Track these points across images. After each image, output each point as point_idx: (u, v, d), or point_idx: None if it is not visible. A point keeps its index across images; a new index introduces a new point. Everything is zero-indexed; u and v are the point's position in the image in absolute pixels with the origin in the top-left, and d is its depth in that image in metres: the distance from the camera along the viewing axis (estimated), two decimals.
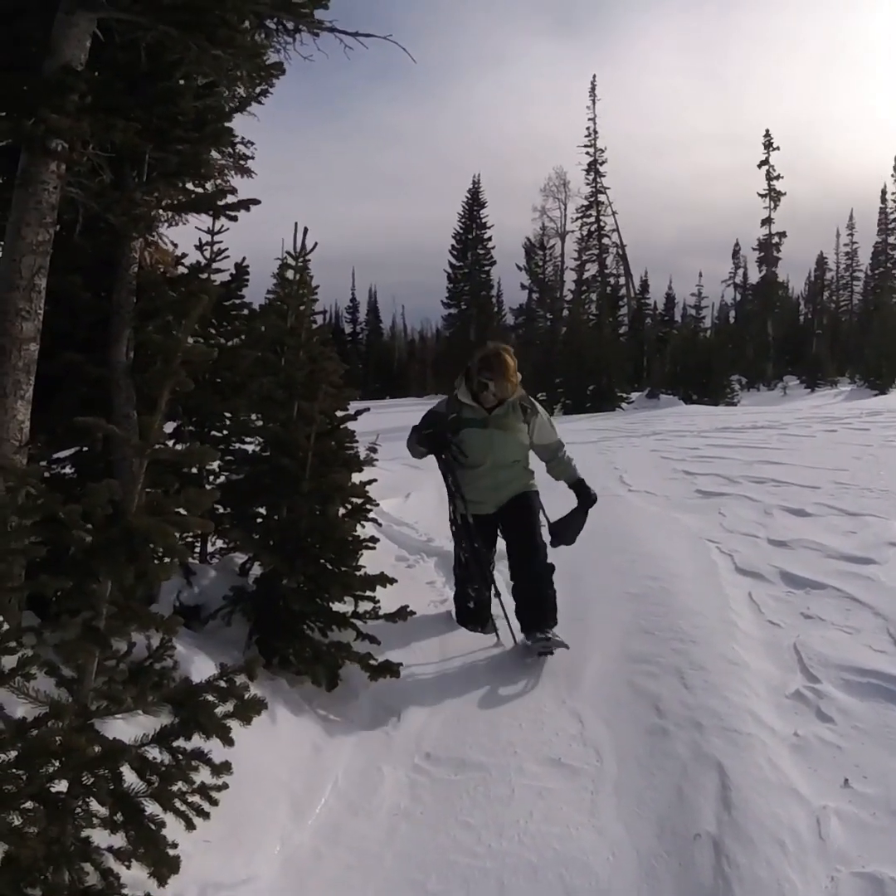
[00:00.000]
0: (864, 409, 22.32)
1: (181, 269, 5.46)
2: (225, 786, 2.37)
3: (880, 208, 60.43)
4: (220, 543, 5.33)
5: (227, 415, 5.30)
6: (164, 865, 2.12)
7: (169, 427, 5.15)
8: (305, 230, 5.25)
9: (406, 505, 9.23)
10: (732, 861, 3.00)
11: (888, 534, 7.26)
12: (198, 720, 2.19)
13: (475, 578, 5.33)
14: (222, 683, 2.25)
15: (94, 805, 2.16)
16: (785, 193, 51.91)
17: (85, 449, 4.61)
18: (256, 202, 4.40)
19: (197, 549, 5.26)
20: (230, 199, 4.54)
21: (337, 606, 4.60)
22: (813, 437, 15.34)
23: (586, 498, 5.35)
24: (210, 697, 2.23)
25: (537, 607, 5.02)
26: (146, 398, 4.39)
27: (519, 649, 5.06)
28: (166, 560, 2.08)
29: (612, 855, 3.15)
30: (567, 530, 5.26)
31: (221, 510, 4.94)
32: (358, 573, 4.65)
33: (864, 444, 13.63)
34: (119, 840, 2.23)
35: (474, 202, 51.14)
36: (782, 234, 52.48)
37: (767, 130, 51.06)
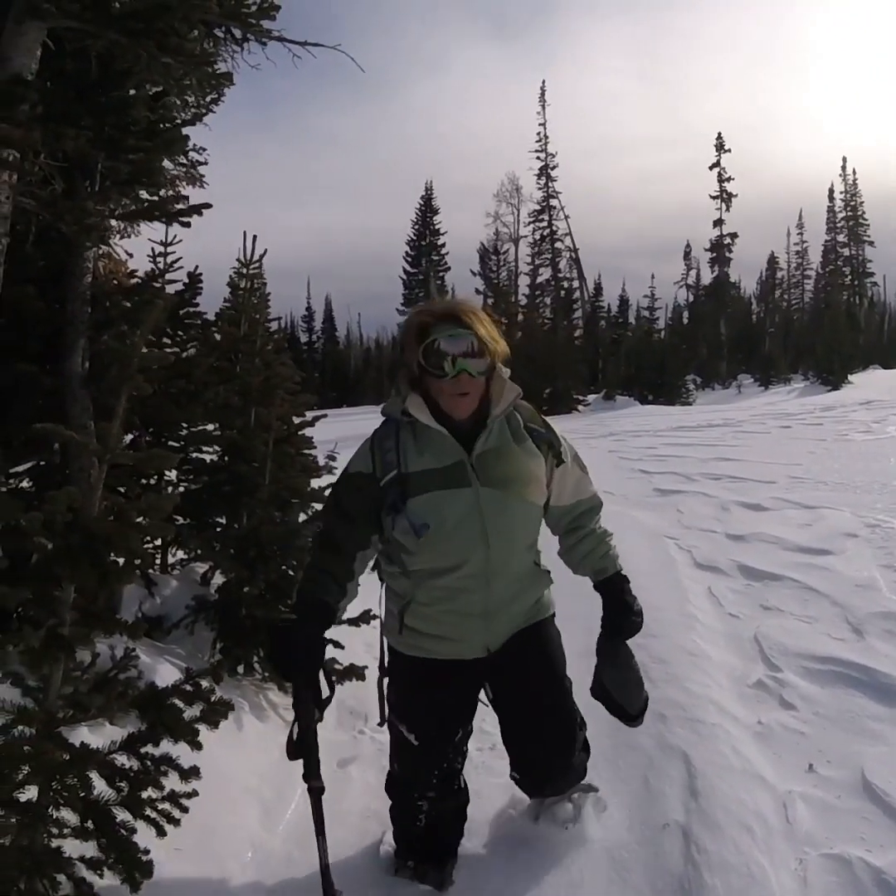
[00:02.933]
0: (818, 405, 22.76)
1: (135, 280, 5.43)
2: (195, 792, 2.37)
3: (828, 207, 62.00)
4: (180, 554, 5.29)
5: (184, 424, 5.28)
6: (136, 870, 2.11)
7: (126, 439, 5.12)
8: (255, 238, 5.31)
9: None
10: (701, 848, 3.04)
11: (843, 525, 7.40)
12: (165, 724, 2.19)
13: (423, 782, 2.98)
14: (188, 687, 2.25)
15: (65, 814, 2.16)
16: (736, 195, 53.03)
17: (42, 463, 4.57)
18: (209, 206, 4.38)
19: (158, 561, 5.23)
20: (182, 204, 4.52)
21: None
22: (768, 434, 15.60)
23: (623, 615, 2.90)
24: (176, 701, 2.23)
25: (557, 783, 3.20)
26: (102, 409, 4.36)
27: None
28: (127, 564, 2.08)
29: (583, 848, 3.18)
30: (624, 691, 2.89)
31: (181, 520, 4.92)
32: None
33: (817, 439, 13.89)
34: (90, 850, 2.22)
35: (427, 208, 51.40)
36: (734, 235, 53.58)
37: (719, 133, 52.24)
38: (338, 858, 3.09)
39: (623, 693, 2.87)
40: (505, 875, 3.03)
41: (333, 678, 2.60)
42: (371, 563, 2.79)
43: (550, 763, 3.00)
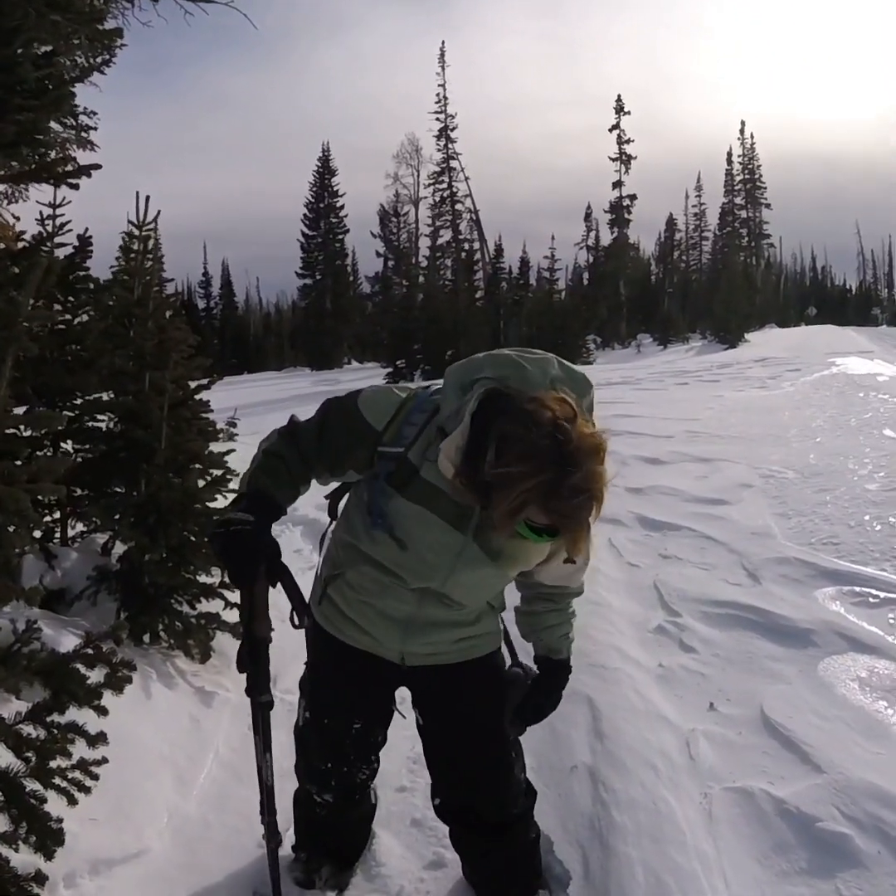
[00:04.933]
0: (715, 363, 23.39)
1: (22, 243, 5.25)
2: (104, 760, 2.34)
3: (727, 170, 63.39)
4: (80, 527, 5.18)
5: (78, 393, 5.14)
6: (48, 838, 2.09)
7: (20, 410, 4.96)
8: (147, 198, 5.15)
9: None
10: (608, 787, 3.14)
11: (739, 476, 7.64)
12: (69, 690, 2.16)
13: (318, 778, 2.70)
14: (89, 651, 2.22)
15: None
16: (636, 157, 53.66)
17: None
18: (98, 167, 4.22)
19: (57, 534, 5.11)
20: (71, 166, 4.38)
21: (203, 578, 4.55)
22: (666, 391, 15.96)
23: (549, 700, 2.55)
24: (79, 666, 2.20)
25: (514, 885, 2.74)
26: None
27: None
28: (21, 529, 2.03)
29: None
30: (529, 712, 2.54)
31: (79, 492, 4.82)
32: None
33: (715, 395, 14.27)
34: (2, 824, 2.19)
35: (325, 170, 50.65)
36: (633, 197, 54.25)
37: (619, 95, 52.53)
38: (247, 822, 3.10)
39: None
40: (411, 824, 3.12)
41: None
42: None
43: (487, 800, 2.62)
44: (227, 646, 4.47)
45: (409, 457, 2.11)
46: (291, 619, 2.24)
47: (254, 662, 2.22)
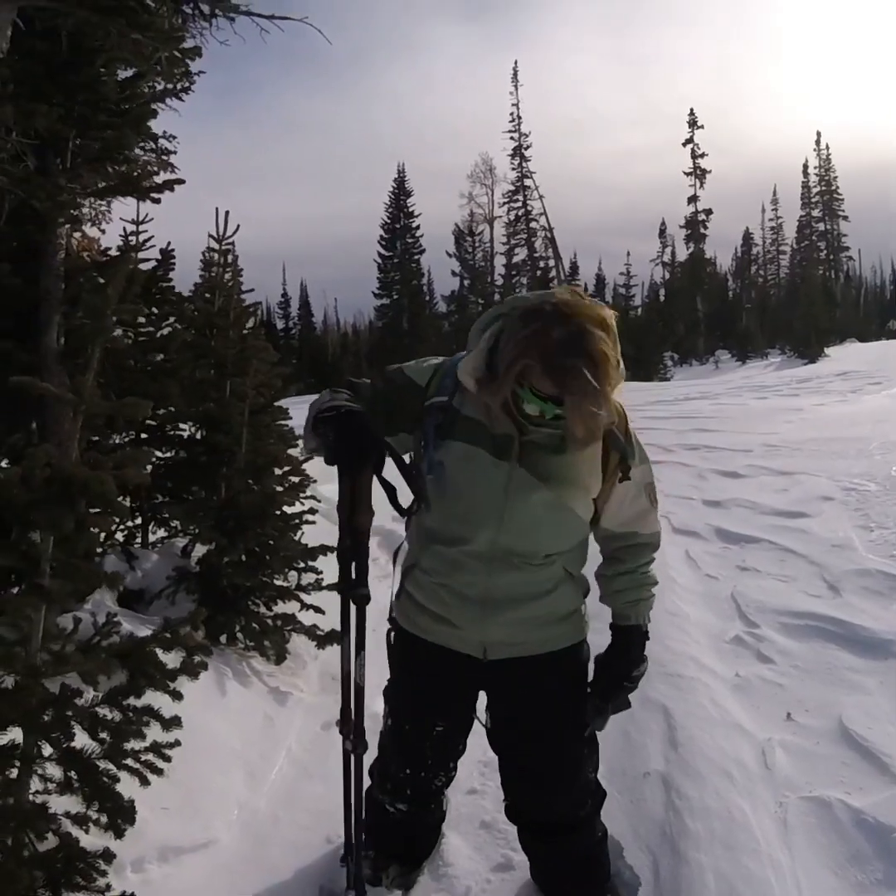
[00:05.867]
0: (794, 377, 22.92)
1: (107, 257, 5.42)
2: (177, 743, 2.39)
3: (803, 182, 62.21)
4: (160, 532, 5.31)
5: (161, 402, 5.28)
6: (119, 816, 2.13)
7: None
8: (227, 214, 5.34)
9: None
10: (682, 794, 3.10)
11: (819, 489, 7.48)
12: (145, 672, 2.21)
13: (394, 784, 2.70)
14: (167, 635, 2.27)
15: (51, 769, 2.19)
16: (710, 171, 53.17)
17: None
18: (181, 181, 4.39)
19: (138, 539, 5.23)
20: (154, 181, 4.53)
21: (280, 581, 4.63)
22: (744, 405, 15.70)
23: (616, 675, 2.45)
24: (156, 649, 2.26)
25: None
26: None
27: None
28: (104, 512, 2.09)
29: None
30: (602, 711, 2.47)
31: (160, 499, 4.95)
32: (299, 546, 4.69)
33: (794, 409, 13.99)
34: (75, 805, 2.25)
35: (400, 191, 51.01)
36: (708, 212, 53.80)
37: (691, 109, 52.26)
38: (315, 819, 3.15)
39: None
40: (481, 826, 3.13)
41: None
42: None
43: (552, 806, 2.58)
44: (302, 648, 4.54)
45: (452, 403, 2.24)
46: (396, 508, 2.31)
47: (355, 553, 2.24)
